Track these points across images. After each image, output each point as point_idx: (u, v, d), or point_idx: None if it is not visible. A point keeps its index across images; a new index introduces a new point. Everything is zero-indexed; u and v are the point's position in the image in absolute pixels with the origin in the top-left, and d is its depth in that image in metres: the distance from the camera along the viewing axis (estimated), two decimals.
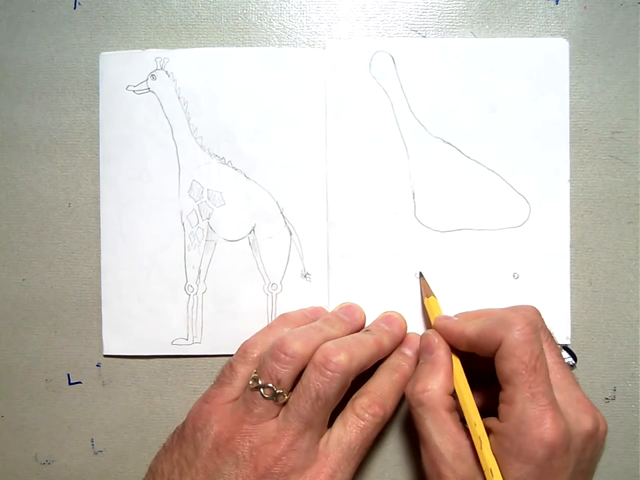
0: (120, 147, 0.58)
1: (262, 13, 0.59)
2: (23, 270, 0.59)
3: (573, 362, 0.58)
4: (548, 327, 0.52)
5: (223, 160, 0.58)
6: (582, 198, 0.58)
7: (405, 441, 0.59)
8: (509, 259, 0.58)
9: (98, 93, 0.59)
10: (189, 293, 0.58)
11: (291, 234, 0.58)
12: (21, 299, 0.59)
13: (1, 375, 0.60)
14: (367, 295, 0.58)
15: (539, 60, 0.57)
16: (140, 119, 0.58)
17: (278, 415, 0.50)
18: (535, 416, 0.46)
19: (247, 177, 0.58)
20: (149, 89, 0.58)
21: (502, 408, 0.48)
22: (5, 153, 0.59)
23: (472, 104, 0.58)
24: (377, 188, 0.58)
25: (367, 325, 0.58)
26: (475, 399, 0.50)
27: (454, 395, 0.51)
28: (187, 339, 0.58)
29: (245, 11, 0.59)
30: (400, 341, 0.57)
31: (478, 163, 0.58)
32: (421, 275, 0.58)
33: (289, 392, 0.50)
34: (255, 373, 0.50)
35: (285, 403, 0.50)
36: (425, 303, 0.57)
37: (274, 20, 0.59)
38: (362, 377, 0.53)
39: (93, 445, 0.60)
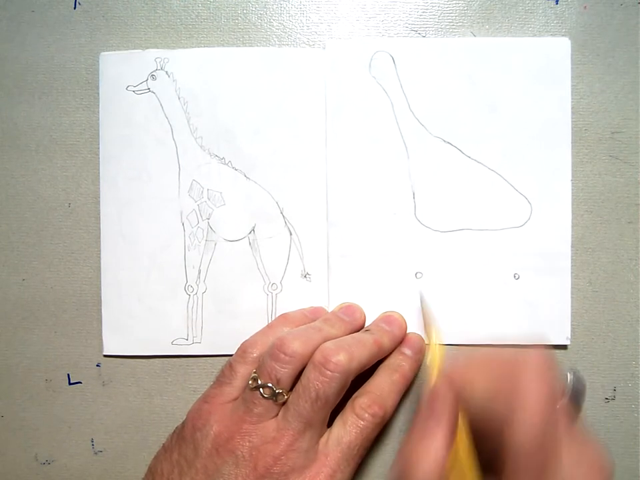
0: (120, 146, 0.58)
1: (262, 12, 0.59)
2: (23, 270, 0.59)
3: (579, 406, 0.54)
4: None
5: (223, 160, 0.58)
6: (582, 198, 0.58)
7: None
8: (510, 259, 0.58)
9: (98, 93, 0.59)
10: (188, 293, 0.58)
11: (290, 234, 0.58)
12: (21, 299, 0.59)
13: (1, 375, 0.60)
14: (367, 295, 0.58)
15: (541, 59, 0.57)
16: (140, 119, 0.58)
17: (277, 414, 0.50)
18: None
19: (247, 177, 0.58)
20: (149, 89, 0.58)
21: None
22: (4, 153, 0.59)
23: (472, 103, 0.58)
24: (376, 188, 0.58)
25: (366, 324, 0.58)
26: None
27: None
28: (186, 339, 0.58)
29: (244, 11, 0.59)
30: (400, 341, 0.57)
31: (478, 162, 0.57)
32: (421, 298, 0.58)
33: (288, 392, 0.50)
34: (255, 372, 0.50)
35: (284, 403, 0.50)
36: (426, 334, 0.57)
37: (274, 20, 0.59)
38: (362, 376, 0.53)
39: (92, 445, 0.60)
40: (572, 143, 0.58)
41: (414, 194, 0.58)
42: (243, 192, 0.58)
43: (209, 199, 0.58)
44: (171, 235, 0.58)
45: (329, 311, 0.58)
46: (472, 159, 0.57)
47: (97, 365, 0.59)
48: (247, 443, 0.49)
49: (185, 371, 0.59)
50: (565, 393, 0.48)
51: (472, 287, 0.58)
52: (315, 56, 0.58)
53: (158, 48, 0.58)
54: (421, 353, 0.57)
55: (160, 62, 0.58)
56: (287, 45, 0.59)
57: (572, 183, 0.57)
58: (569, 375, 0.48)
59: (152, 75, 0.58)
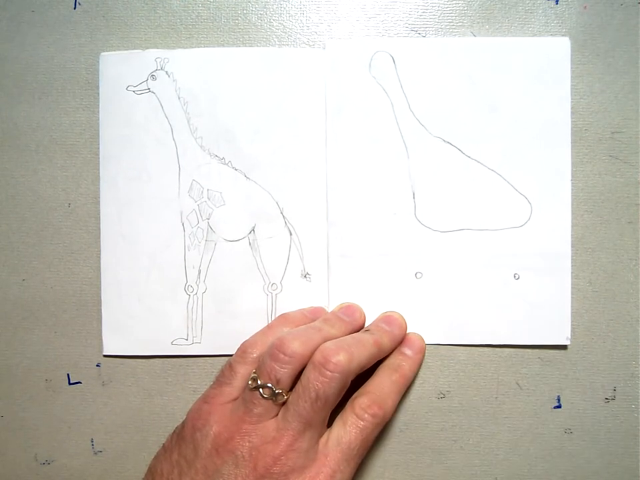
0: (120, 147, 0.58)
1: (262, 12, 0.59)
2: (23, 270, 0.59)
3: None
4: None
5: (223, 160, 0.58)
6: (582, 198, 0.58)
7: (405, 441, 0.59)
8: (510, 259, 0.58)
9: (98, 93, 0.59)
10: (188, 293, 0.58)
11: (290, 234, 0.58)
12: (20, 299, 0.59)
13: (1, 375, 0.60)
14: (367, 295, 0.58)
15: (541, 59, 0.57)
16: (140, 119, 0.58)
17: (277, 414, 0.50)
18: None
19: (247, 177, 0.58)
20: (149, 89, 0.58)
21: None
22: (4, 153, 0.59)
23: (472, 103, 0.58)
24: (376, 188, 0.58)
25: (366, 324, 0.58)
26: None
27: None
28: (186, 339, 0.58)
29: (244, 11, 0.59)
30: (400, 341, 0.57)
31: (478, 162, 0.58)
32: None
33: (288, 392, 0.50)
34: (254, 373, 0.50)
35: (284, 403, 0.50)
36: None
37: (274, 20, 0.59)
38: (362, 376, 0.53)
39: (92, 445, 0.60)
40: (572, 142, 0.58)
41: (414, 194, 0.58)
42: (242, 192, 0.58)
43: (208, 199, 0.58)
44: (170, 235, 0.58)
45: (329, 311, 0.58)
46: (472, 158, 0.58)
47: (97, 365, 0.59)
48: (247, 443, 0.49)
49: (184, 370, 0.59)
50: None
51: (472, 286, 0.58)
52: (315, 56, 0.58)
53: (158, 48, 0.58)
54: (420, 352, 0.57)
55: (160, 62, 0.58)
56: (287, 45, 0.59)
57: (572, 183, 0.57)
58: None
59: (152, 75, 0.58)
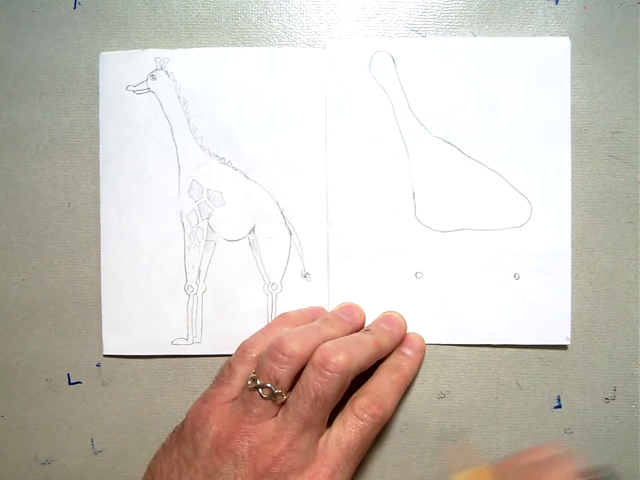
0: (120, 147, 0.58)
1: (262, 12, 0.59)
2: (23, 270, 0.59)
3: None
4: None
5: (223, 160, 0.58)
6: (582, 198, 0.58)
7: (405, 441, 0.59)
8: (510, 259, 0.58)
9: (98, 93, 0.59)
10: (188, 293, 0.58)
11: (290, 234, 0.58)
12: (20, 299, 0.59)
13: (1, 375, 0.60)
14: (367, 295, 0.58)
15: (540, 59, 0.57)
16: (140, 119, 0.58)
17: (277, 414, 0.50)
18: None
19: (247, 177, 0.58)
20: (148, 89, 0.58)
21: None
22: (4, 153, 0.59)
23: (472, 103, 0.58)
24: (376, 188, 0.58)
25: (366, 324, 0.58)
26: None
27: None
28: (186, 339, 0.58)
29: (244, 11, 0.59)
30: (400, 341, 0.57)
31: (478, 162, 0.58)
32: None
33: (287, 392, 0.50)
34: (254, 372, 0.50)
35: (283, 403, 0.50)
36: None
37: (274, 20, 0.59)
38: (361, 376, 0.53)
39: (92, 445, 0.60)
40: (572, 142, 0.58)
41: (414, 194, 0.58)
42: (242, 192, 0.58)
43: (208, 199, 0.58)
44: (170, 234, 0.58)
45: (329, 311, 0.58)
46: (472, 158, 0.57)
47: (97, 365, 0.59)
48: (247, 443, 0.49)
49: (185, 370, 0.59)
50: None
51: (472, 286, 0.58)
52: (315, 56, 0.58)
53: (158, 48, 0.58)
54: (420, 352, 0.57)
55: (160, 62, 0.58)
56: (287, 45, 0.59)
57: (572, 183, 0.57)
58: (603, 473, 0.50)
59: (152, 75, 0.58)
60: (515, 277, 0.58)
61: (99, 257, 0.59)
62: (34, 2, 0.59)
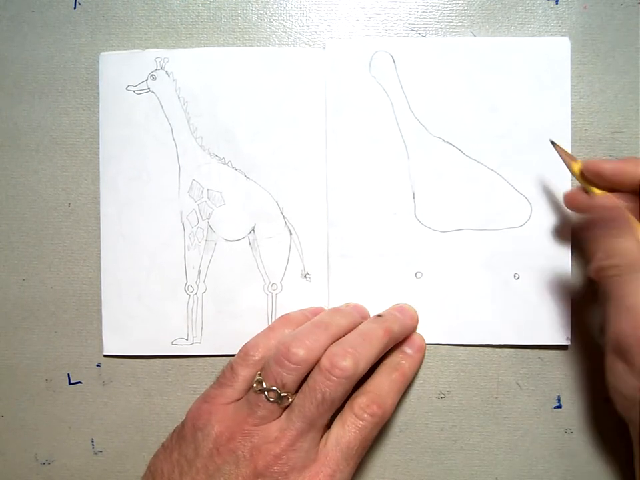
0: (120, 147, 0.58)
1: (262, 13, 0.59)
2: (23, 270, 0.59)
3: None
4: None
5: (223, 160, 0.58)
6: None
7: (405, 441, 0.59)
8: (510, 259, 0.58)
9: (98, 93, 0.59)
10: (188, 293, 0.58)
11: (290, 234, 0.58)
12: (20, 299, 0.59)
13: (1, 375, 0.60)
14: (367, 295, 0.58)
15: (541, 59, 0.57)
16: (140, 119, 0.58)
17: (280, 416, 0.51)
18: None
19: (247, 177, 0.58)
20: (148, 88, 0.58)
21: None
22: (5, 153, 0.59)
23: (472, 103, 0.58)
24: (377, 188, 0.58)
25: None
26: None
27: None
28: (186, 339, 0.58)
29: (244, 11, 0.59)
30: (410, 331, 0.57)
31: (478, 162, 0.58)
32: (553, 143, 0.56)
33: (293, 394, 0.50)
34: (259, 375, 0.50)
35: (288, 406, 0.50)
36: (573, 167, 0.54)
37: (274, 20, 0.59)
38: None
39: (92, 445, 0.60)
40: (572, 142, 0.58)
41: (414, 194, 0.58)
42: (242, 192, 0.58)
43: (208, 199, 0.58)
44: (170, 234, 0.58)
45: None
46: (472, 158, 0.57)
47: (97, 365, 0.59)
48: (248, 443, 0.49)
49: (185, 371, 0.59)
50: None
51: (472, 286, 0.58)
52: (315, 56, 0.58)
53: (158, 48, 0.58)
54: (420, 351, 0.57)
55: (160, 62, 0.58)
56: (287, 44, 0.59)
57: (572, 183, 0.57)
58: None
59: (152, 75, 0.58)
60: (515, 277, 0.58)
61: (99, 257, 0.59)
62: (34, 2, 0.59)
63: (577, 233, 0.55)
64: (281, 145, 0.58)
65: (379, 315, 0.56)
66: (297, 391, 0.51)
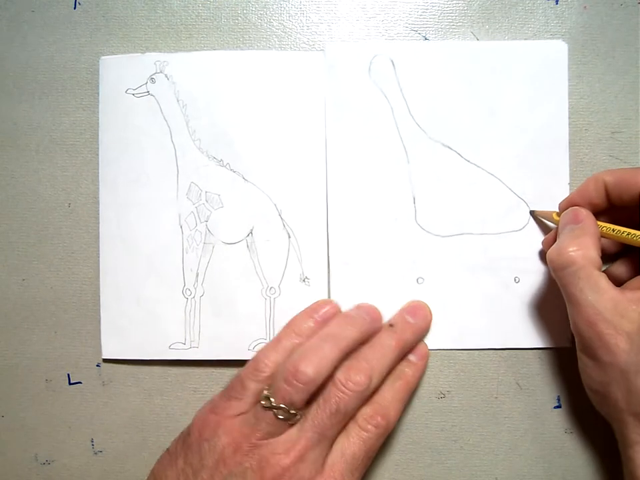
0: (119, 150, 0.58)
1: (262, 13, 0.59)
2: (23, 270, 0.60)
3: None
4: None
5: (221, 162, 0.58)
6: None
7: (405, 441, 0.59)
8: (510, 262, 0.58)
9: (98, 93, 0.59)
10: (186, 297, 0.58)
11: (289, 237, 0.58)
12: (21, 299, 0.60)
13: (1, 375, 0.60)
14: (369, 301, 0.58)
15: (538, 63, 0.57)
16: (139, 122, 0.58)
17: (287, 430, 0.51)
18: None
19: (245, 179, 0.58)
20: (148, 92, 0.58)
21: None
22: (5, 153, 0.59)
23: (471, 107, 0.58)
24: (377, 193, 0.58)
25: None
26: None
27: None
28: (184, 343, 0.58)
29: (244, 12, 0.59)
30: (424, 334, 0.58)
31: (478, 166, 0.57)
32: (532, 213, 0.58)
33: (301, 410, 0.50)
34: (267, 390, 0.50)
35: (295, 423, 0.51)
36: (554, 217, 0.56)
37: (274, 20, 0.59)
38: None
39: (92, 445, 0.60)
40: (572, 143, 0.58)
41: (414, 199, 0.58)
42: (241, 194, 0.58)
43: (207, 202, 0.58)
44: (169, 237, 0.58)
45: (334, 304, 0.57)
46: (471, 163, 0.57)
47: (97, 365, 0.59)
48: (256, 455, 0.49)
49: (185, 371, 0.59)
50: None
51: (473, 290, 0.58)
52: (314, 59, 0.58)
53: (158, 48, 0.59)
54: (424, 359, 0.57)
55: (159, 65, 0.58)
56: (287, 45, 0.59)
57: (571, 184, 0.57)
58: None
59: (151, 78, 0.58)
60: (515, 280, 0.57)
61: (99, 257, 0.59)
62: (34, 2, 0.59)
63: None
64: (280, 148, 0.58)
65: (391, 324, 0.56)
66: (305, 406, 0.51)
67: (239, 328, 0.58)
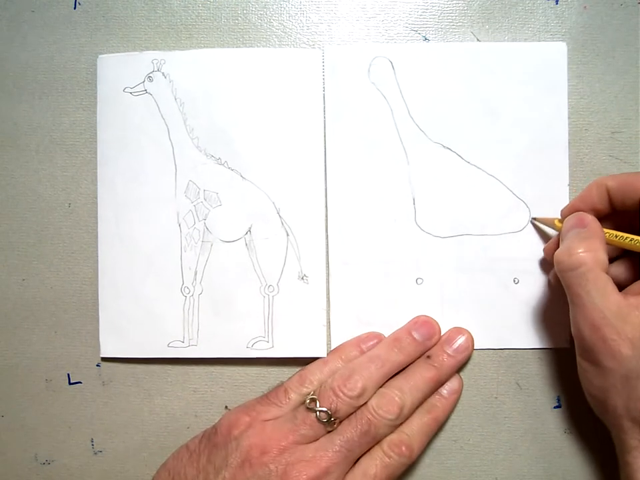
0: (117, 148, 0.58)
1: (262, 13, 0.59)
2: (23, 270, 0.60)
3: None
4: None
5: (219, 160, 0.58)
6: None
7: None
8: (510, 263, 0.58)
9: (96, 92, 0.59)
10: (185, 295, 0.58)
11: (287, 235, 0.58)
12: (21, 299, 0.60)
13: (1, 375, 0.60)
14: (368, 302, 0.58)
15: (537, 64, 0.57)
16: (137, 120, 0.58)
17: (321, 437, 0.51)
18: None
19: (243, 177, 0.58)
20: (145, 90, 0.58)
21: None
22: (5, 153, 0.59)
23: (471, 109, 0.58)
24: (377, 194, 0.58)
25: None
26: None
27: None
28: (182, 341, 0.58)
29: (244, 11, 0.59)
30: (460, 367, 0.58)
31: (478, 168, 0.57)
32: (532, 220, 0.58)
33: (340, 422, 0.51)
34: (314, 394, 0.52)
35: (330, 431, 0.51)
36: (556, 223, 0.56)
37: (274, 20, 0.59)
38: None
39: (92, 445, 0.60)
40: (572, 143, 0.58)
41: (414, 200, 0.58)
42: (239, 192, 0.58)
43: (205, 200, 0.58)
44: (167, 236, 0.58)
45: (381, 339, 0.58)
46: (471, 164, 0.57)
47: (97, 365, 0.59)
48: (283, 460, 0.50)
49: (185, 371, 0.59)
50: None
51: (473, 291, 0.58)
52: (313, 57, 0.58)
53: (158, 48, 0.58)
54: (456, 393, 0.57)
55: (157, 63, 0.58)
56: (287, 45, 0.59)
57: (572, 183, 0.57)
58: None
59: (149, 77, 0.58)
60: (514, 281, 0.57)
61: (98, 256, 0.59)
62: (34, 2, 0.59)
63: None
64: (278, 146, 0.58)
65: (428, 356, 0.56)
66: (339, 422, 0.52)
67: (238, 326, 0.58)
